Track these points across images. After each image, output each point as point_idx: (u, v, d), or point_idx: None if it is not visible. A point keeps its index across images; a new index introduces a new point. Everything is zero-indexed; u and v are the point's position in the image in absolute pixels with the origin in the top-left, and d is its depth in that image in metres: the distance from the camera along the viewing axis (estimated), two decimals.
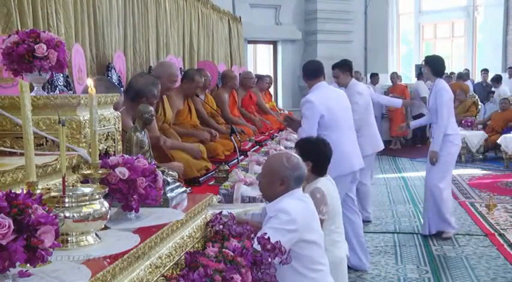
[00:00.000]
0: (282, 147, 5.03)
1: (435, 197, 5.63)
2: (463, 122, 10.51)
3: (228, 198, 3.32)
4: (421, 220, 6.33)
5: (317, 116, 4.36)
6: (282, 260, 2.41)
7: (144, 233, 1.83)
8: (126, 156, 2.05)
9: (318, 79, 4.62)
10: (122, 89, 4.01)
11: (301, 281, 2.67)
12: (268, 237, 2.45)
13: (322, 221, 3.06)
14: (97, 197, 1.70)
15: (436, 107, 5.47)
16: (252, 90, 7.48)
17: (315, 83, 4.62)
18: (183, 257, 1.99)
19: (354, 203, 4.75)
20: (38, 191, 1.53)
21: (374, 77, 13.14)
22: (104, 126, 2.29)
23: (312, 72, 4.68)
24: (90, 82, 1.84)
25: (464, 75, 13.76)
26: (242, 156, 4.75)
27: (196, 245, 2.19)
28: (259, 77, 8.33)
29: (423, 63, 5.81)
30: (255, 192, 3.21)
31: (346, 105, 4.69)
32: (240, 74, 7.30)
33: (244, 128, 6.01)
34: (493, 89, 12.91)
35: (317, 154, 3.44)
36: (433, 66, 5.61)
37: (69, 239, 1.64)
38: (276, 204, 2.72)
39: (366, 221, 6.00)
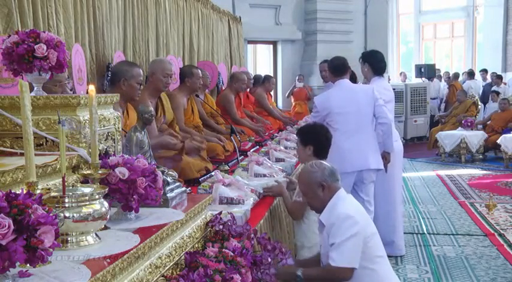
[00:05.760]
0: (281, 147, 5.02)
1: None
2: (463, 122, 10.54)
3: None
4: (421, 220, 6.34)
5: (320, 116, 4.55)
6: (282, 261, 2.42)
7: (144, 233, 1.83)
8: (126, 156, 2.05)
9: (338, 77, 4.63)
10: None
11: (362, 275, 2.68)
12: (269, 238, 2.46)
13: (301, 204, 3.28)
14: (97, 197, 1.70)
15: None
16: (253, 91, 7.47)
17: (335, 80, 4.66)
18: (183, 257, 1.99)
19: (363, 202, 4.71)
20: (38, 191, 1.53)
21: None
22: (104, 126, 2.29)
23: (333, 69, 4.70)
24: (92, 87, 1.84)
25: (457, 76, 14.43)
26: (242, 156, 4.74)
27: (196, 245, 2.19)
28: (266, 78, 8.28)
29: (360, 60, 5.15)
30: (234, 193, 3.21)
31: (362, 105, 4.55)
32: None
33: (248, 129, 6.00)
34: None
35: (317, 137, 3.64)
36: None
37: (69, 239, 1.64)
38: (332, 212, 2.77)
39: None
